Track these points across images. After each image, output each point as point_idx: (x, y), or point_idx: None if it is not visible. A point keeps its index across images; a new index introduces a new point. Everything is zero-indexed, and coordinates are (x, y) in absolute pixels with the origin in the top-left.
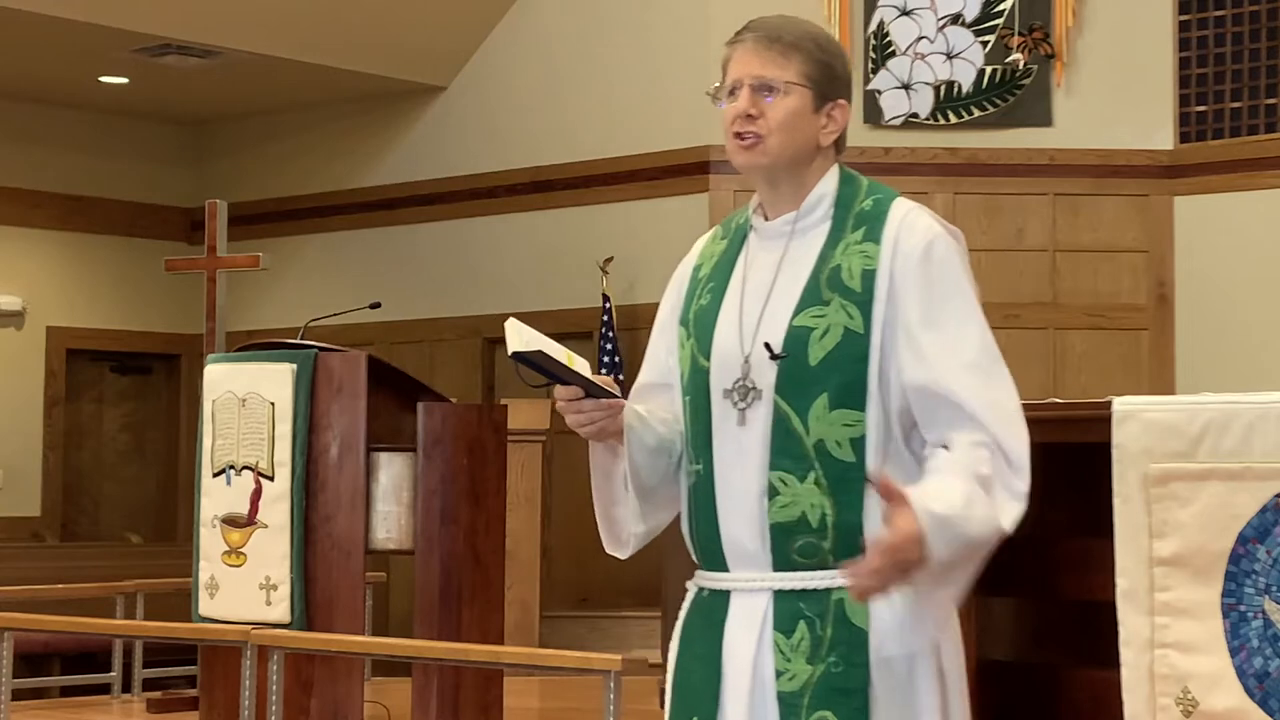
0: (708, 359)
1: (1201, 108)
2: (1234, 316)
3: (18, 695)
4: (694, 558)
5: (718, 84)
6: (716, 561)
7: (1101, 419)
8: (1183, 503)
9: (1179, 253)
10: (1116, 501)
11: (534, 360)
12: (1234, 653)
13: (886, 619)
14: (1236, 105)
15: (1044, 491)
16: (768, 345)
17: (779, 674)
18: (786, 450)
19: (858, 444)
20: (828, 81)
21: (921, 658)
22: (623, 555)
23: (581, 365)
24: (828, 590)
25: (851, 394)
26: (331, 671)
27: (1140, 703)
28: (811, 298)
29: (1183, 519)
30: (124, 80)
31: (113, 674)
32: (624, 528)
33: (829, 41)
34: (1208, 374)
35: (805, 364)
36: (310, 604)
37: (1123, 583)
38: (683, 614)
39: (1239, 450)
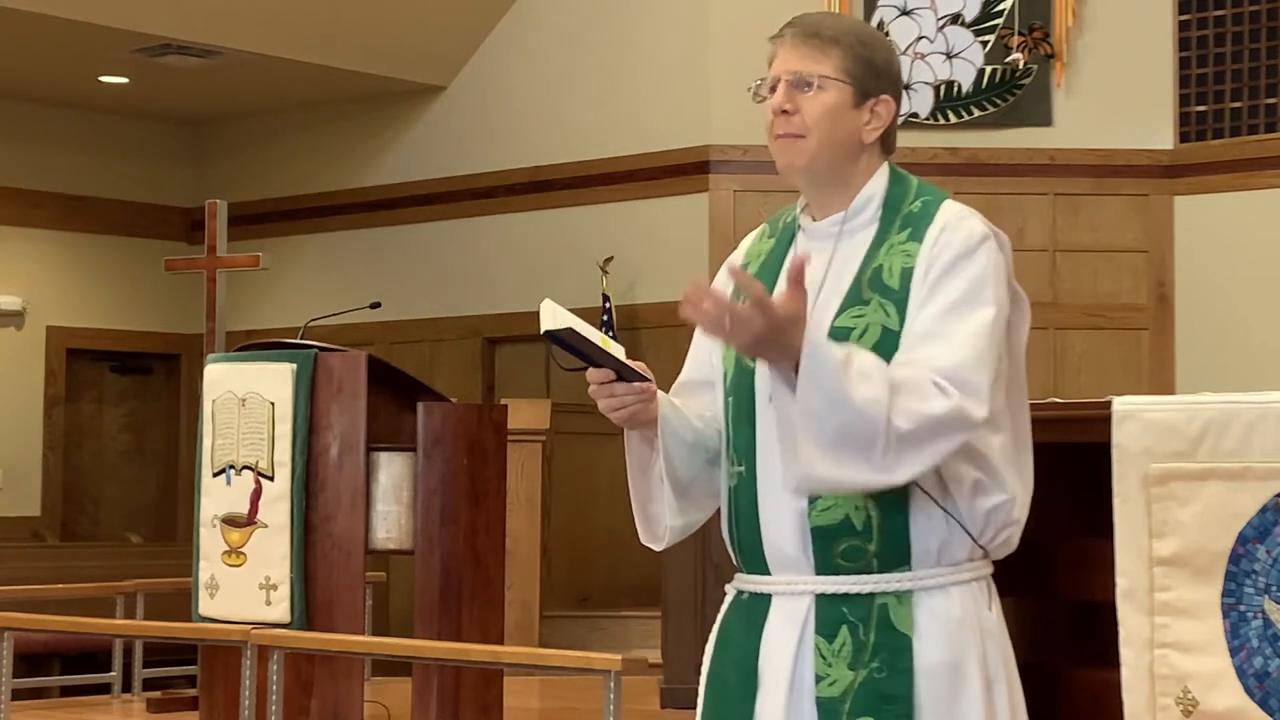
0: (754, 361)
1: (1201, 108)
2: (1234, 316)
3: (18, 695)
4: (734, 560)
5: (760, 79)
6: (758, 564)
7: (1101, 419)
8: (1183, 503)
9: (1179, 253)
10: (1116, 501)
11: (565, 339)
12: (1234, 652)
13: (931, 626)
14: (1236, 105)
15: (1044, 491)
16: None
17: (819, 679)
18: None
19: None
20: (870, 77)
21: (967, 666)
22: (657, 548)
23: (617, 350)
24: (871, 595)
25: None
26: (331, 671)
27: (1140, 703)
28: (854, 298)
29: (1183, 519)
30: (124, 80)
31: (113, 674)
32: (660, 524)
33: (873, 37)
34: (1208, 374)
35: None
36: (310, 604)
37: (1123, 583)
38: (721, 616)
39: (1239, 450)
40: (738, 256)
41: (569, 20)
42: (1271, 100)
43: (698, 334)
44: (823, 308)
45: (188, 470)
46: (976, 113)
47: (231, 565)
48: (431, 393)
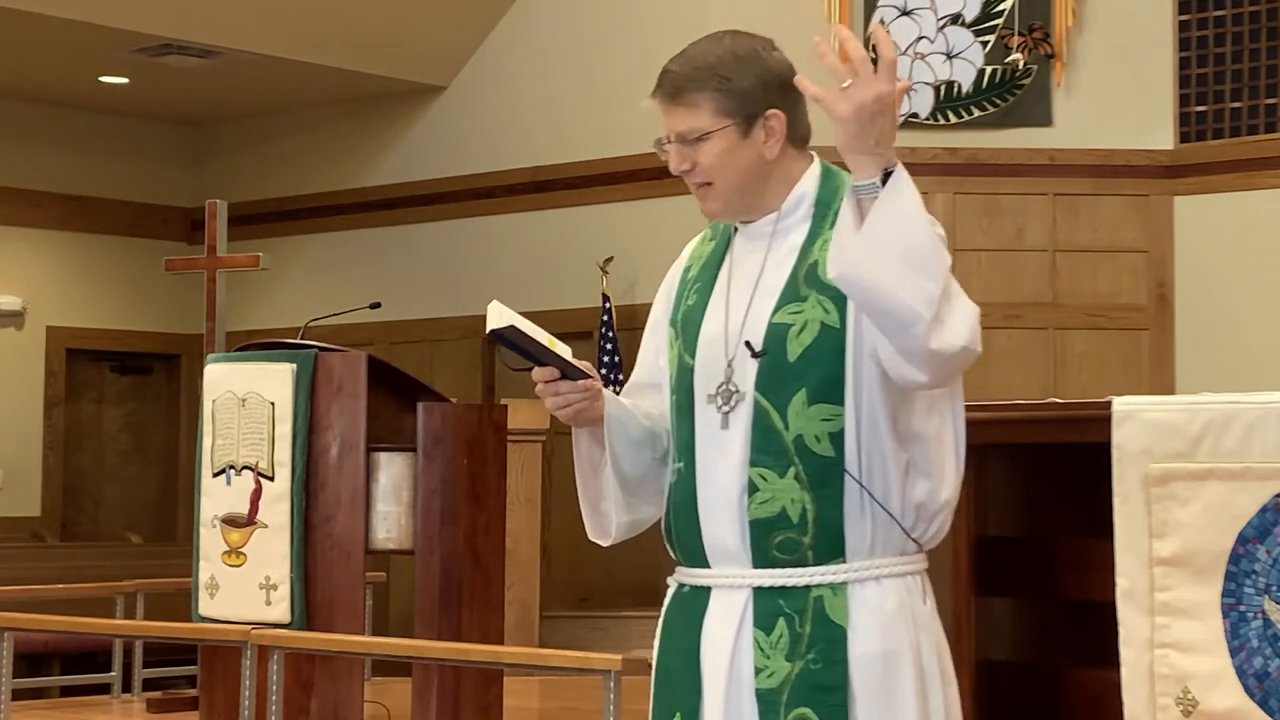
0: (693, 358)
1: (1201, 108)
2: (1234, 316)
3: (18, 695)
4: (673, 555)
5: (659, 138)
6: (697, 558)
7: (1101, 419)
8: (1183, 503)
9: (1179, 253)
10: (1116, 501)
11: (510, 338)
12: (1234, 653)
13: (866, 617)
14: (1236, 105)
15: (1044, 491)
16: (748, 343)
17: (758, 671)
18: (766, 447)
19: (836, 439)
20: (746, 104)
21: (901, 656)
22: (605, 543)
23: (563, 350)
24: (807, 588)
25: (830, 389)
26: (331, 671)
27: (1140, 703)
28: (790, 295)
29: (1183, 519)
30: (124, 80)
31: (113, 674)
32: (610, 520)
33: (735, 62)
34: (1208, 374)
35: (784, 360)
36: (310, 604)
37: (1123, 583)
38: (664, 609)
39: (1239, 450)
40: (682, 260)
41: (569, 20)
42: (1271, 100)
43: (646, 335)
44: (760, 303)
45: (188, 470)
46: (976, 113)
47: (231, 565)
48: (431, 393)
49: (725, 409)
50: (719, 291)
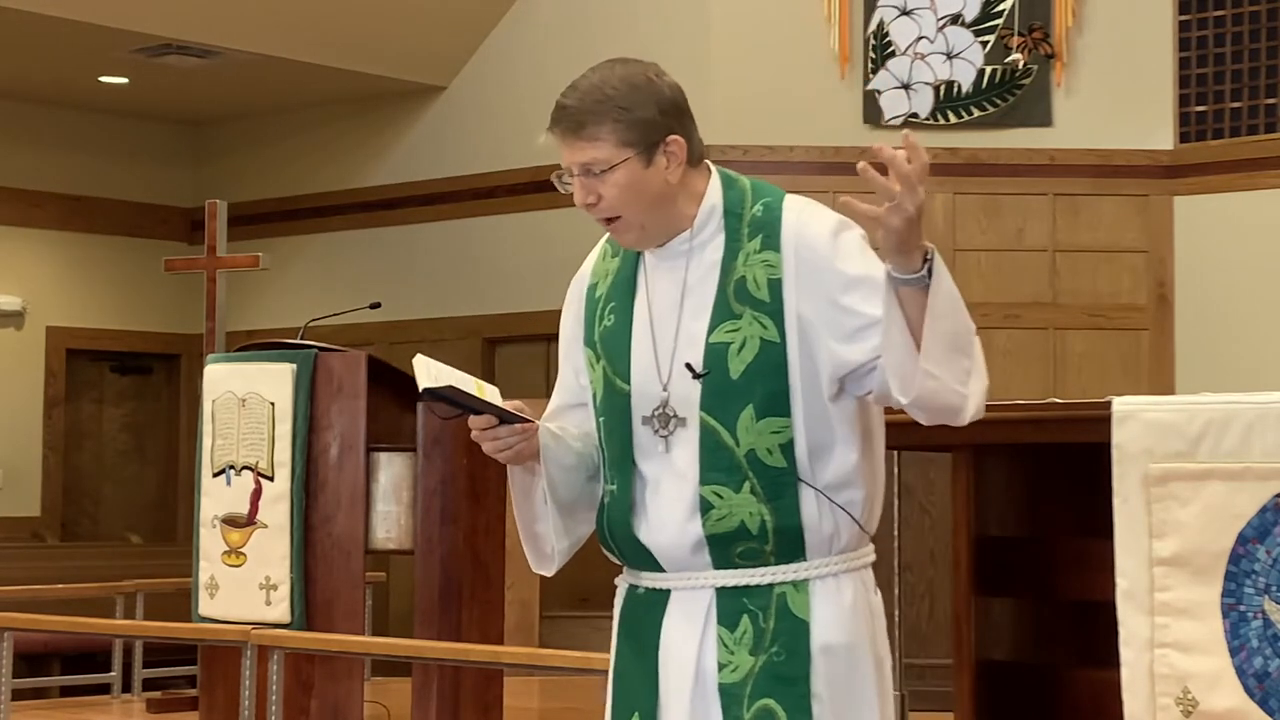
0: (627, 383)
1: (1201, 108)
2: (1234, 316)
3: (18, 695)
4: (617, 560)
5: (558, 172)
6: (648, 565)
7: (1101, 419)
8: (1183, 503)
9: (1179, 253)
10: (1116, 501)
11: (447, 395)
12: (1234, 653)
13: (827, 611)
14: (1236, 105)
15: (1044, 491)
16: (689, 365)
17: (721, 667)
18: (717, 464)
19: (787, 449)
20: (646, 133)
21: (860, 647)
22: (548, 572)
23: (492, 393)
24: (770, 585)
25: (776, 402)
26: (331, 671)
27: (1140, 703)
28: (723, 313)
29: (1183, 519)
30: (124, 80)
31: (113, 674)
32: (546, 543)
33: (631, 91)
34: (1208, 374)
35: (728, 379)
36: (310, 604)
37: (1123, 583)
38: (618, 610)
39: (1239, 450)
40: (585, 276)
41: (569, 20)
42: (1271, 100)
43: (560, 358)
44: (690, 324)
45: (188, 470)
46: (976, 113)
47: (231, 565)
48: None
49: (664, 433)
50: (640, 313)
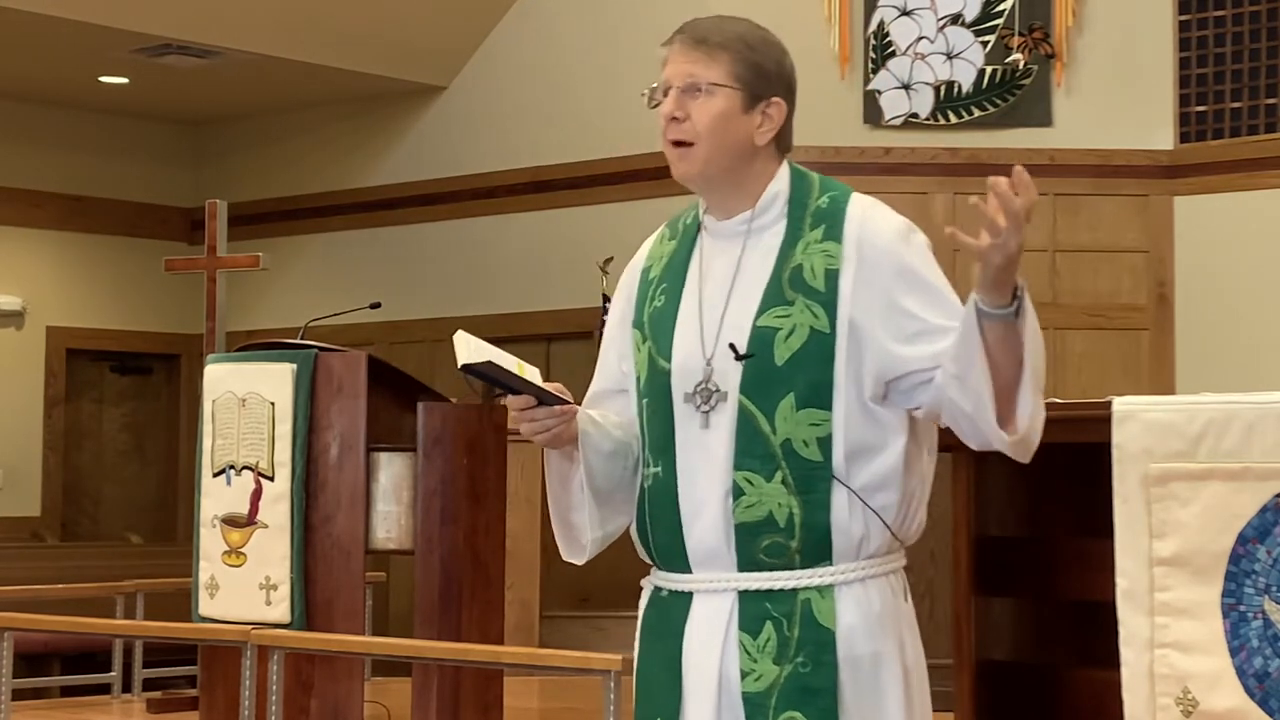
0: (668, 361)
1: (1201, 108)
2: (1234, 316)
3: (18, 695)
4: (649, 559)
5: (653, 85)
6: (677, 563)
7: (1101, 419)
8: (1183, 503)
9: (1179, 253)
10: (1116, 501)
11: (484, 371)
12: (1234, 653)
13: (854, 619)
14: (1236, 105)
15: (1044, 491)
16: (733, 346)
17: (744, 675)
18: (752, 450)
19: (824, 443)
20: (759, 81)
21: (887, 656)
22: (579, 561)
23: (532, 374)
24: (794, 590)
25: (818, 393)
26: (331, 671)
27: (1140, 703)
28: (775, 298)
29: (1183, 519)
30: (124, 80)
31: (113, 674)
32: (582, 534)
33: (761, 41)
34: (1208, 374)
35: (771, 364)
36: (310, 604)
37: (1123, 583)
38: (641, 613)
39: (1239, 450)
40: (639, 261)
41: (569, 20)
42: (1271, 100)
43: (604, 342)
44: (739, 305)
45: (188, 470)
46: (976, 113)
47: (231, 565)
48: (431, 393)
49: (705, 408)
50: (690, 291)
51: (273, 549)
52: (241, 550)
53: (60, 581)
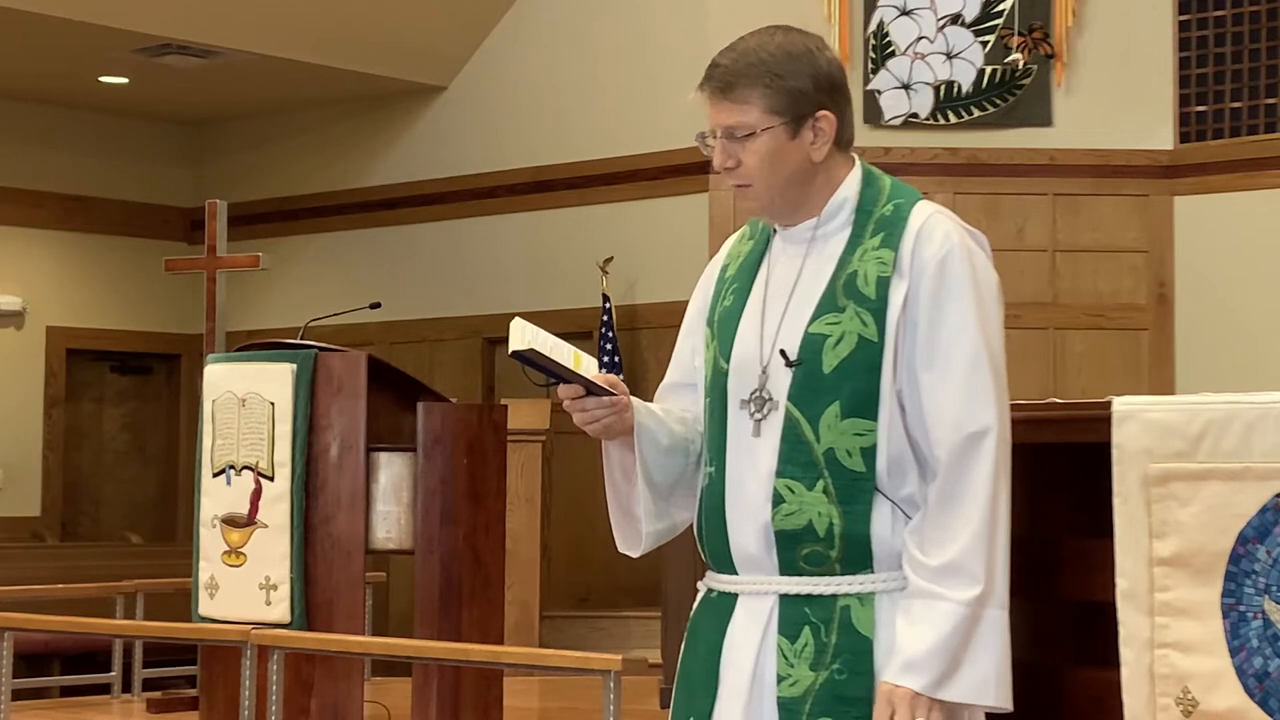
0: (728, 362)
1: (1201, 108)
2: (1234, 316)
3: (18, 695)
4: (704, 559)
5: (703, 132)
6: (725, 564)
7: (1101, 419)
8: (1183, 503)
9: (1179, 253)
10: (1116, 501)
11: (531, 359)
12: (1234, 653)
13: (893, 629)
14: (1236, 105)
15: (1044, 491)
16: (783, 352)
17: (780, 679)
18: (795, 458)
19: (868, 454)
20: (797, 104)
21: None
22: (635, 554)
23: (589, 363)
24: (834, 596)
25: (864, 403)
26: (331, 671)
27: (1140, 703)
28: (828, 304)
29: (1183, 519)
30: (124, 80)
31: (113, 674)
32: (638, 525)
33: (788, 60)
34: (1208, 374)
35: (819, 371)
36: (310, 604)
37: (1123, 583)
38: (692, 613)
39: (1239, 450)
40: (720, 258)
41: (569, 20)
42: (1271, 100)
43: (681, 335)
44: (796, 311)
45: (188, 470)
46: (976, 113)
47: (231, 565)
48: (431, 393)
49: (758, 416)
50: (755, 295)
51: (273, 549)
52: (241, 550)
53: (60, 581)
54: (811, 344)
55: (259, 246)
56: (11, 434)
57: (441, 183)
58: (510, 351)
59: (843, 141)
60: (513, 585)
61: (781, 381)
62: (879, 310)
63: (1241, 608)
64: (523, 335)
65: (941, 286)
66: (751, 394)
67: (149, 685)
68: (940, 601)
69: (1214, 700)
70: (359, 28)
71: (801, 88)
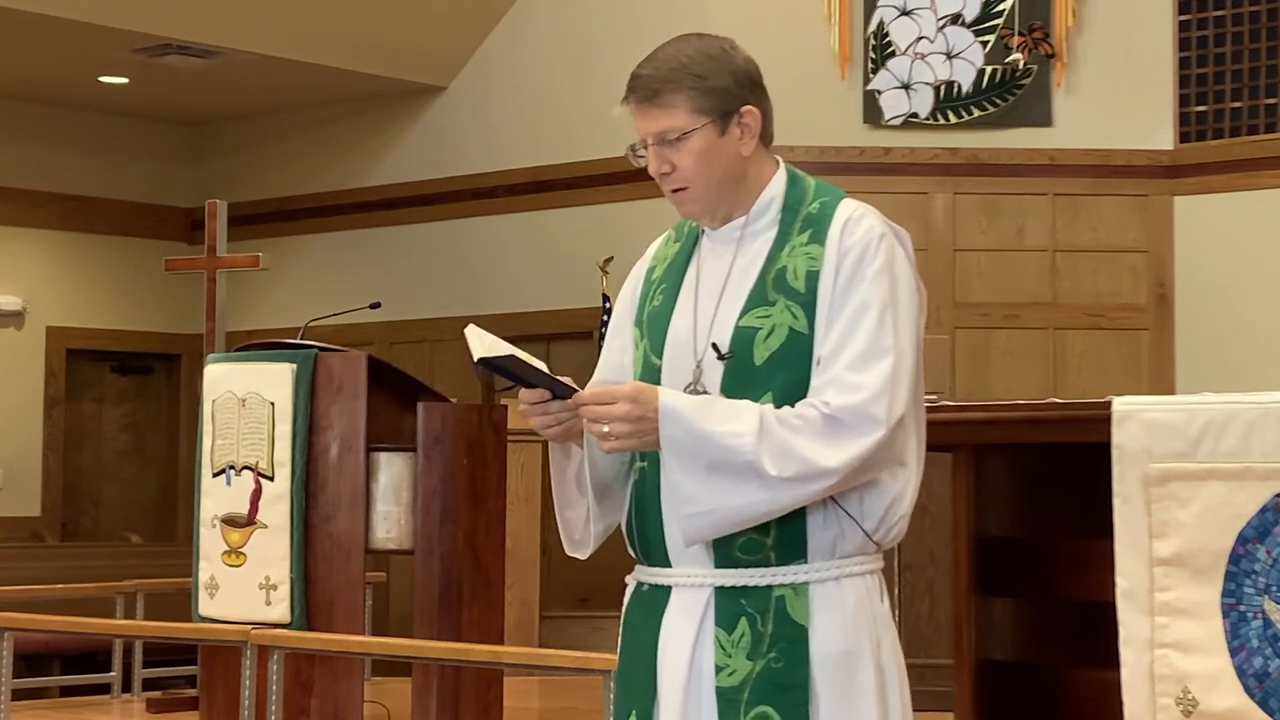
0: (660, 358)
1: (1201, 108)
2: (1234, 316)
3: (18, 695)
4: (633, 553)
5: (633, 144)
6: (658, 557)
7: (1101, 419)
8: (1183, 503)
9: (1179, 253)
10: (1116, 501)
11: (501, 365)
12: (1234, 653)
13: (827, 617)
14: (1236, 105)
15: (1044, 491)
16: (714, 345)
17: (719, 669)
18: None
19: None
20: (721, 101)
21: (861, 654)
22: (582, 556)
23: (540, 367)
24: (769, 587)
25: (796, 393)
26: (331, 671)
27: (1140, 703)
28: (758, 299)
29: (1183, 519)
30: (124, 80)
31: (113, 674)
32: (579, 528)
33: (706, 60)
34: (1208, 374)
35: (751, 364)
36: (310, 604)
37: (1123, 583)
38: (624, 608)
39: (1239, 450)
40: (645, 260)
41: (570, 20)
42: (1271, 100)
43: (609, 335)
44: (727, 306)
45: (188, 470)
46: (976, 113)
47: (231, 565)
48: (431, 393)
49: None
50: (686, 293)
51: (273, 549)
52: (241, 550)
53: (60, 581)
54: (742, 337)
55: (259, 246)
56: (11, 434)
57: (441, 183)
58: (477, 359)
59: (766, 137)
60: (513, 585)
61: (714, 375)
62: (809, 303)
63: (1241, 608)
64: (481, 341)
65: (855, 272)
66: (685, 388)
67: (149, 685)
68: (764, 433)
69: (1214, 700)
70: (359, 28)
71: (724, 85)
